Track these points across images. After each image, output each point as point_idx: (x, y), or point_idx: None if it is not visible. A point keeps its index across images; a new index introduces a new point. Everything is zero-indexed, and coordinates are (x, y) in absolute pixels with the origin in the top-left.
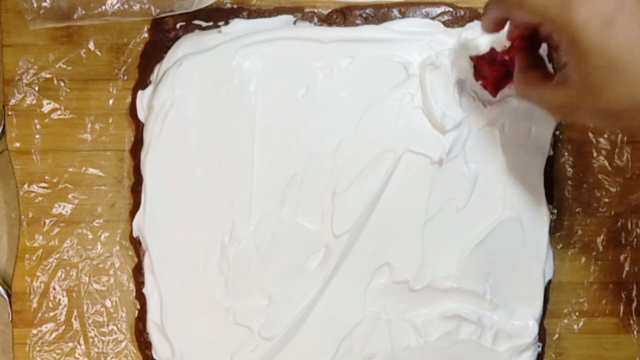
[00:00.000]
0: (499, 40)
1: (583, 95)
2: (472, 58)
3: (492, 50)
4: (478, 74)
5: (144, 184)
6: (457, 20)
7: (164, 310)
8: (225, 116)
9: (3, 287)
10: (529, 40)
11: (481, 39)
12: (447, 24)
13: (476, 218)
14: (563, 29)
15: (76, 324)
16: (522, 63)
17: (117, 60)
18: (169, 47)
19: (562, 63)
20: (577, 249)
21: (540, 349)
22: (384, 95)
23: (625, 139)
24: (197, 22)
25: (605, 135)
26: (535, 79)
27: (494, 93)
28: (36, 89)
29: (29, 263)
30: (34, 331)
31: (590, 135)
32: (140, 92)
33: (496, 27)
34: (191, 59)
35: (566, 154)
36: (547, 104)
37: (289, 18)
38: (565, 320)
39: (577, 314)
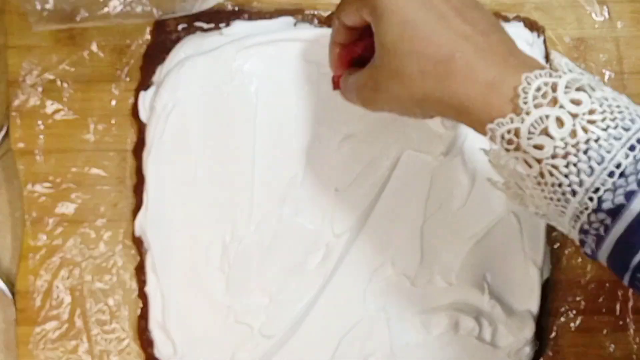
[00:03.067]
0: None
1: (380, 63)
2: None
3: None
4: None
5: (146, 184)
6: None
7: (165, 309)
8: (227, 117)
9: (7, 286)
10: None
11: None
12: None
13: (474, 217)
14: (368, 2)
15: (79, 322)
16: (349, 73)
17: (120, 62)
18: (170, 49)
19: None
20: (574, 247)
21: (537, 347)
22: None
23: None
24: (198, 24)
25: None
26: (356, 75)
27: None
28: (39, 90)
29: (32, 262)
30: (38, 329)
31: None
32: (142, 93)
33: (342, 59)
34: (193, 61)
35: None
36: (354, 86)
37: (290, 20)
38: (562, 319)
39: (574, 312)
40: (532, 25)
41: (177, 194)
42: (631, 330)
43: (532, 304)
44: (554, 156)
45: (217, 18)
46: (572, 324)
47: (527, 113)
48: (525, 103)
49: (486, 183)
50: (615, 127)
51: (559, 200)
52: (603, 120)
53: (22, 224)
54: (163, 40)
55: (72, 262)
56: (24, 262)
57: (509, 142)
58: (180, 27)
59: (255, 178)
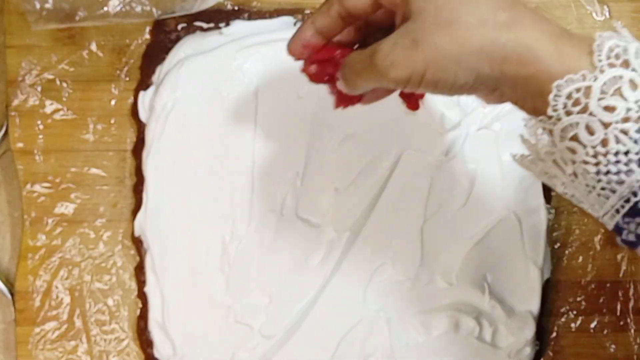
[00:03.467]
0: None
1: (421, 17)
2: None
3: None
4: None
5: (145, 184)
6: None
7: (165, 309)
8: (226, 116)
9: (6, 286)
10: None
11: None
12: None
13: (475, 217)
14: None
15: (78, 323)
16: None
17: (119, 62)
18: (170, 49)
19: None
20: (575, 248)
21: (538, 347)
22: None
23: None
24: (198, 23)
25: None
26: (371, 47)
27: None
28: (39, 89)
29: (31, 262)
30: (37, 330)
31: None
32: (142, 93)
33: (310, 48)
34: (192, 60)
35: None
36: (375, 57)
37: (289, 19)
38: (563, 319)
39: (574, 312)
40: None
41: (176, 194)
42: (632, 331)
43: (533, 304)
44: (625, 119)
45: (217, 17)
46: (572, 325)
47: (602, 71)
48: (600, 61)
49: (486, 184)
50: None
51: (617, 172)
52: None
53: (22, 224)
54: (162, 39)
55: (72, 262)
56: (23, 262)
57: (576, 102)
58: (179, 26)
59: (255, 177)
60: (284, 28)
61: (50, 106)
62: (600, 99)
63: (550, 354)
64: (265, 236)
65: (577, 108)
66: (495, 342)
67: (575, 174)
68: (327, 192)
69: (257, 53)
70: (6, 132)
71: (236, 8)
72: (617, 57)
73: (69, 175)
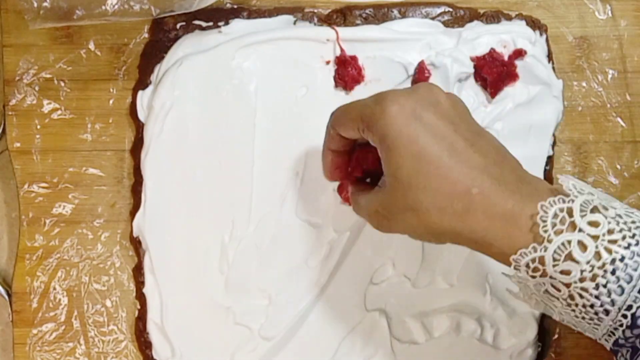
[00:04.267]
0: (500, 40)
1: (394, 193)
2: (472, 58)
3: (492, 50)
4: (478, 75)
5: (144, 184)
6: (456, 20)
7: (164, 310)
8: (226, 116)
9: (3, 287)
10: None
11: (481, 39)
12: (446, 24)
13: None
14: (375, 128)
15: (76, 324)
16: (356, 188)
17: (117, 60)
18: (169, 47)
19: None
20: None
21: (540, 349)
22: None
23: (624, 139)
24: (197, 22)
25: (604, 136)
26: (363, 189)
27: (494, 94)
28: (36, 89)
29: (29, 263)
30: (34, 331)
31: (590, 135)
32: (140, 92)
33: (337, 169)
34: (191, 59)
35: (566, 153)
36: (365, 210)
37: (289, 18)
38: None
39: None
40: (534, 24)
41: (175, 194)
42: None
43: None
44: (582, 279)
45: (216, 16)
46: None
47: (549, 241)
48: (545, 231)
49: None
50: (637, 244)
51: (591, 319)
52: (623, 238)
53: (19, 225)
54: (161, 38)
55: (69, 263)
56: (20, 263)
57: (535, 270)
58: (178, 25)
59: (255, 178)
60: (283, 27)
61: (47, 106)
62: (554, 266)
63: (552, 355)
64: (264, 237)
65: (538, 273)
66: (496, 344)
67: (561, 313)
68: (327, 192)
69: (257, 52)
70: (3, 132)
71: (235, 7)
72: (562, 222)
73: (66, 175)
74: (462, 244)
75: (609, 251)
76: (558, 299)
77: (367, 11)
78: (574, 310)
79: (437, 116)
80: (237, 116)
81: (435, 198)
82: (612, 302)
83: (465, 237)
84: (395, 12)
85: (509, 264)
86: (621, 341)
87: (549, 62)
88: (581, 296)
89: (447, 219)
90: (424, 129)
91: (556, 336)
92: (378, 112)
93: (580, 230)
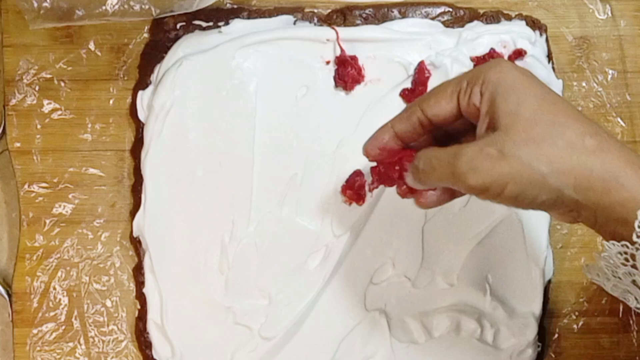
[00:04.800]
0: (500, 40)
1: (512, 131)
2: (472, 58)
3: (492, 51)
4: None
5: (144, 184)
6: (456, 20)
7: (164, 310)
8: (226, 116)
9: (3, 287)
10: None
11: (481, 39)
12: (446, 24)
13: (476, 218)
14: (486, 79)
15: (76, 324)
16: (434, 148)
17: (118, 61)
18: (169, 47)
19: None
20: (577, 249)
21: (539, 349)
22: (383, 95)
23: (625, 138)
24: (197, 22)
25: None
26: (453, 149)
27: None
28: (36, 89)
29: (29, 263)
30: (35, 331)
31: None
32: (140, 92)
33: (383, 151)
34: (191, 59)
35: None
36: (455, 160)
37: (289, 18)
38: (565, 320)
39: (576, 313)
40: (534, 24)
41: (175, 194)
42: (634, 332)
43: (535, 305)
44: None
45: (216, 16)
46: (574, 326)
47: None
48: None
49: None
50: None
51: None
52: None
53: (19, 225)
54: (161, 38)
55: (70, 263)
56: (20, 263)
57: None
58: (178, 25)
59: (255, 178)
60: (283, 27)
61: (48, 105)
62: None
63: (552, 355)
64: (264, 237)
65: None
66: (496, 344)
67: (628, 297)
68: (326, 192)
69: (257, 52)
70: (4, 132)
71: (235, 7)
72: None
73: (66, 176)
74: (586, 187)
75: None
76: None
77: (367, 11)
78: None
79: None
80: (237, 116)
81: (566, 133)
82: None
83: (595, 176)
84: (395, 12)
85: (632, 220)
86: None
87: (548, 62)
88: None
89: (576, 155)
90: (538, 81)
91: (556, 336)
92: (485, 68)
93: None
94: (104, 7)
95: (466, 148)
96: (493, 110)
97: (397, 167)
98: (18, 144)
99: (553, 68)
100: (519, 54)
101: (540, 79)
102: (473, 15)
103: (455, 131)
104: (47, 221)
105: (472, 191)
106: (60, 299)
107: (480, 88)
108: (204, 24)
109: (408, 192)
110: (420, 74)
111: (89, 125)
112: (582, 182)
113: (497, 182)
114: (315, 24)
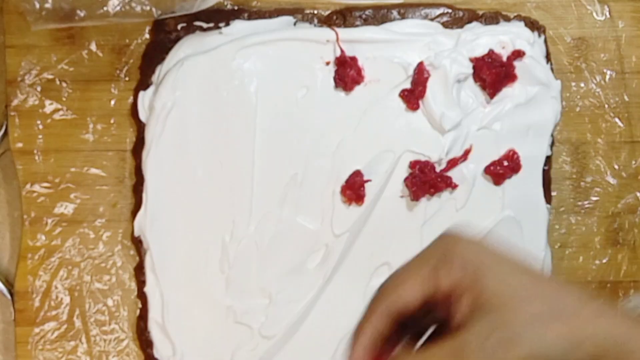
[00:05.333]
0: (498, 41)
1: (526, 325)
2: (470, 59)
3: (491, 52)
4: (477, 75)
5: (145, 184)
6: (456, 21)
7: (165, 309)
8: (226, 116)
9: (6, 286)
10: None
11: (480, 40)
12: (446, 25)
13: (475, 217)
14: (455, 258)
15: (78, 323)
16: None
17: (119, 61)
18: (170, 48)
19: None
20: (575, 248)
21: None
22: (383, 95)
23: (623, 138)
24: (198, 23)
25: (602, 136)
26: (441, 350)
27: (492, 94)
28: (38, 89)
29: (31, 262)
30: (37, 330)
31: (588, 135)
32: (141, 93)
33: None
34: (192, 60)
35: (564, 154)
36: (454, 356)
37: (289, 19)
38: None
39: None
40: (532, 25)
41: (176, 194)
42: None
43: None
44: None
45: (217, 17)
46: None
47: None
48: None
49: (486, 184)
50: None
51: None
52: None
53: (21, 224)
54: (162, 39)
55: (71, 263)
56: (22, 263)
57: None
58: (179, 26)
59: (255, 178)
60: (284, 28)
61: (49, 106)
62: None
63: None
64: (265, 236)
65: None
66: None
67: None
68: (326, 192)
69: (257, 53)
70: (6, 132)
71: (236, 8)
72: None
73: (68, 175)
74: (598, 353)
75: None
76: None
77: (366, 12)
78: None
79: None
80: (238, 116)
81: (566, 301)
82: None
83: (610, 341)
84: (395, 13)
85: None
86: None
87: (547, 62)
88: None
89: (586, 323)
90: (508, 256)
91: None
92: (452, 247)
93: None
94: (105, 8)
95: (465, 344)
96: (479, 290)
97: None
98: (20, 144)
99: (551, 69)
100: (517, 54)
101: (539, 79)
102: (472, 16)
103: (421, 318)
104: (49, 221)
105: None
106: (62, 298)
107: (458, 269)
108: (204, 25)
109: None
110: (420, 74)
111: (91, 126)
112: (597, 349)
113: (517, 354)
114: (315, 25)
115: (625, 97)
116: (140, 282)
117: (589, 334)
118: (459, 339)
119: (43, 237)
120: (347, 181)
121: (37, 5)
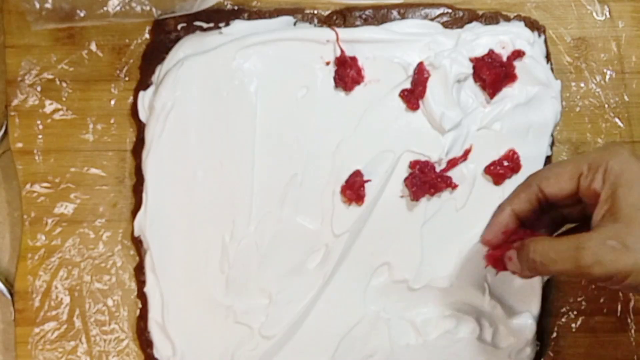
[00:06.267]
0: (498, 41)
1: (635, 224)
2: (470, 59)
3: (491, 52)
4: (477, 75)
5: (145, 184)
6: (456, 21)
7: (165, 309)
8: (226, 116)
9: (6, 286)
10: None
11: (480, 40)
12: (446, 25)
13: (475, 217)
14: (608, 168)
15: (78, 323)
16: (546, 238)
17: (119, 61)
18: (170, 48)
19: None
20: None
21: (538, 348)
22: (383, 95)
23: (623, 138)
24: (198, 23)
25: (602, 136)
26: (573, 238)
27: (493, 94)
28: (38, 89)
29: (31, 262)
30: (37, 330)
31: (588, 135)
32: (141, 93)
33: (505, 233)
34: (192, 60)
35: (564, 154)
36: (576, 250)
37: (289, 19)
38: (563, 319)
39: (575, 312)
40: (532, 25)
41: (176, 194)
42: (632, 331)
43: (533, 304)
44: None
45: (217, 17)
46: (573, 325)
47: None
48: None
49: (486, 184)
50: None
51: None
52: None
53: (21, 224)
54: (162, 39)
55: (71, 263)
56: (22, 263)
57: None
58: (179, 26)
59: (255, 178)
60: (284, 28)
61: (49, 106)
62: None
63: (551, 354)
64: (265, 236)
65: None
66: (495, 343)
67: None
68: (326, 192)
69: (257, 53)
70: (6, 132)
71: (236, 8)
72: None
73: (68, 175)
74: None
75: None
76: None
77: (366, 12)
78: None
79: None
80: (238, 116)
81: None
82: None
83: None
84: (395, 13)
85: None
86: None
87: (547, 62)
88: None
89: None
90: None
91: (554, 335)
92: (607, 155)
93: None
94: (105, 8)
95: (588, 241)
96: (614, 200)
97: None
98: (20, 144)
99: (551, 69)
100: (517, 54)
101: (539, 79)
102: (472, 16)
103: (566, 211)
104: (49, 221)
105: (595, 280)
106: (62, 298)
107: (603, 175)
108: (204, 25)
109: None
110: (420, 74)
111: (91, 126)
112: None
113: (620, 273)
114: (315, 25)
115: (625, 97)
116: (140, 282)
117: None
118: (586, 236)
119: (43, 237)
120: (347, 181)
121: (37, 5)
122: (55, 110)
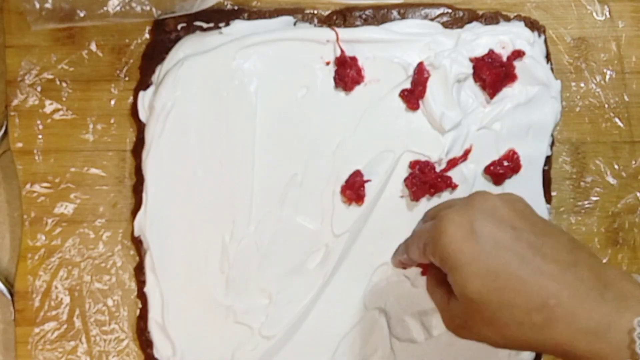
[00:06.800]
0: (498, 41)
1: (468, 310)
2: (470, 59)
3: (491, 51)
4: (477, 75)
5: (145, 184)
6: (456, 21)
7: (165, 309)
8: (226, 116)
9: (6, 286)
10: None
11: (480, 40)
12: (446, 25)
13: None
14: (436, 251)
15: (78, 323)
16: (431, 280)
17: (119, 61)
18: (170, 48)
19: None
20: None
21: None
22: (383, 95)
23: (623, 139)
24: (198, 23)
25: (602, 136)
26: (440, 295)
27: (493, 94)
28: (38, 89)
29: (31, 262)
30: (37, 330)
31: (588, 136)
32: (141, 93)
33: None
34: (192, 60)
35: (564, 154)
36: (446, 320)
37: (289, 19)
38: None
39: None
40: (532, 25)
41: (176, 194)
42: None
43: None
44: None
45: (217, 17)
46: None
47: None
48: None
49: (486, 184)
50: None
51: None
52: None
53: (21, 224)
54: (162, 39)
55: (71, 263)
56: (22, 263)
57: None
58: (179, 26)
59: (255, 178)
60: (284, 28)
61: (49, 106)
62: None
63: None
64: (265, 236)
65: None
66: None
67: None
68: (326, 192)
69: (257, 53)
70: (6, 132)
71: (236, 8)
72: None
73: (68, 175)
74: (548, 353)
75: None
76: None
77: (366, 12)
78: None
79: (496, 225)
80: (238, 116)
81: (512, 313)
82: None
83: (549, 349)
84: (395, 13)
85: None
86: None
87: (547, 62)
88: None
89: (527, 332)
90: (484, 243)
91: None
92: (436, 236)
93: None
94: (105, 8)
95: (446, 309)
96: (451, 281)
97: None
98: (20, 144)
99: (551, 69)
100: (517, 54)
101: (539, 79)
102: (472, 16)
103: None
104: (49, 221)
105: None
106: (62, 298)
107: (438, 258)
108: (204, 25)
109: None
110: (420, 74)
111: (91, 126)
112: (542, 351)
113: (472, 340)
114: (315, 25)
115: (625, 97)
116: (140, 282)
117: (530, 342)
118: (450, 301)
119: (43, 237)
120: (347, 181)
121: (37, 5)
122: (55, 110)
